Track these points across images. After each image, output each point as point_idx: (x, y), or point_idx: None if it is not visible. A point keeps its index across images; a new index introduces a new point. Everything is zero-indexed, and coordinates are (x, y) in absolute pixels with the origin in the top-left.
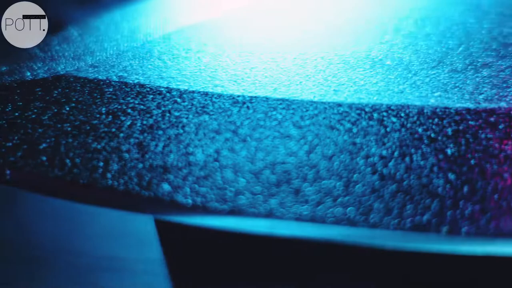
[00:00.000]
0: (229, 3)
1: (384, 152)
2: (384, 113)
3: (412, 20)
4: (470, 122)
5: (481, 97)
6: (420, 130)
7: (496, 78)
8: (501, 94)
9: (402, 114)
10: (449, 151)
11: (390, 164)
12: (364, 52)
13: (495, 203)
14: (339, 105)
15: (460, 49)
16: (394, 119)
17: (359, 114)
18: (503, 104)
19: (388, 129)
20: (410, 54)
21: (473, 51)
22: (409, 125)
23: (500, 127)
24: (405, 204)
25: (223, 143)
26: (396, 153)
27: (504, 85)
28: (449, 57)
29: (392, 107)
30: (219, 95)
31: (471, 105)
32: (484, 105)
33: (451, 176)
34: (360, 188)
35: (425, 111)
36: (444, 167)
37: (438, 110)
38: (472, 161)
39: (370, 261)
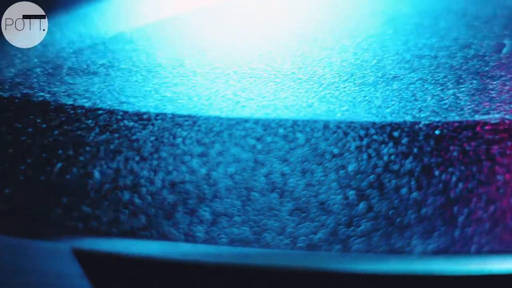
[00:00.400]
0: (152, 13)
1: (285, 169)
2: (290, 129)
3: (329, 33)
4: (374, 137)
5: (387, 111)
6: (323, 145)
7: (405, 91)
8: (408, 107)
9: (308, 130)
10: (350, 167)
11: (290, 181)
12: (278, 65)
13: (391, 220)
14: (246, 120)
15: (374, 61)
16: (299, 135)
17: (264, 130)
18: (408, 118)
19: (292, 145)
20: (323, 67)
21: (387, 64)
22: (313, 140)
23: (403, 141)
24: (300, 223)
25: (123, 162)
26: (297, 170)
27: (413, 98)
28: (362, 69)
29: (298, 123)
30: (125, 113)
31: (377, 119)
32: (390, 119)
33: (350, 193)
34: (257, 207)
35: (330, 125)
36: (343, 183)
37: (343, 124)
38: (372, 177)
39: (265, 282)
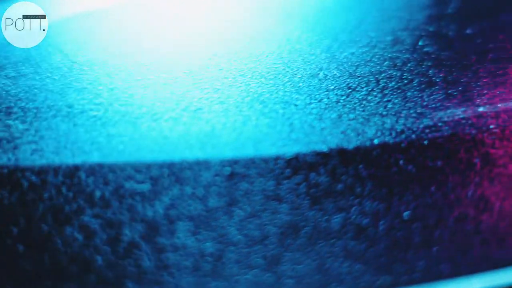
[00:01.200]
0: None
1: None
2: (83, 170)
3: (137, 64)
4: (159, 179)
5: (182, 148)
6: (100, 191)
7: (206, 125)
8: (205, 143)
9: (89, 175)
10: (123, 216)
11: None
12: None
13: (157, 275)
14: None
15: (180, 92)
16: (89, 180)
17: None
18: (203, 155)
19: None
20: (125, 103)
21: (194, 95)
22: (90, 187)
23: (190, 180)
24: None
25: None
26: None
27: (213, 132)
28: (165, 103)
29: (83, 167)
30: None
31: (167, 158)
32: (180, 157)
33: (118, 247)
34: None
35: (115, 168)
36: (111, 235)
37: (128, 167)
38: (142, 226)
39: None
